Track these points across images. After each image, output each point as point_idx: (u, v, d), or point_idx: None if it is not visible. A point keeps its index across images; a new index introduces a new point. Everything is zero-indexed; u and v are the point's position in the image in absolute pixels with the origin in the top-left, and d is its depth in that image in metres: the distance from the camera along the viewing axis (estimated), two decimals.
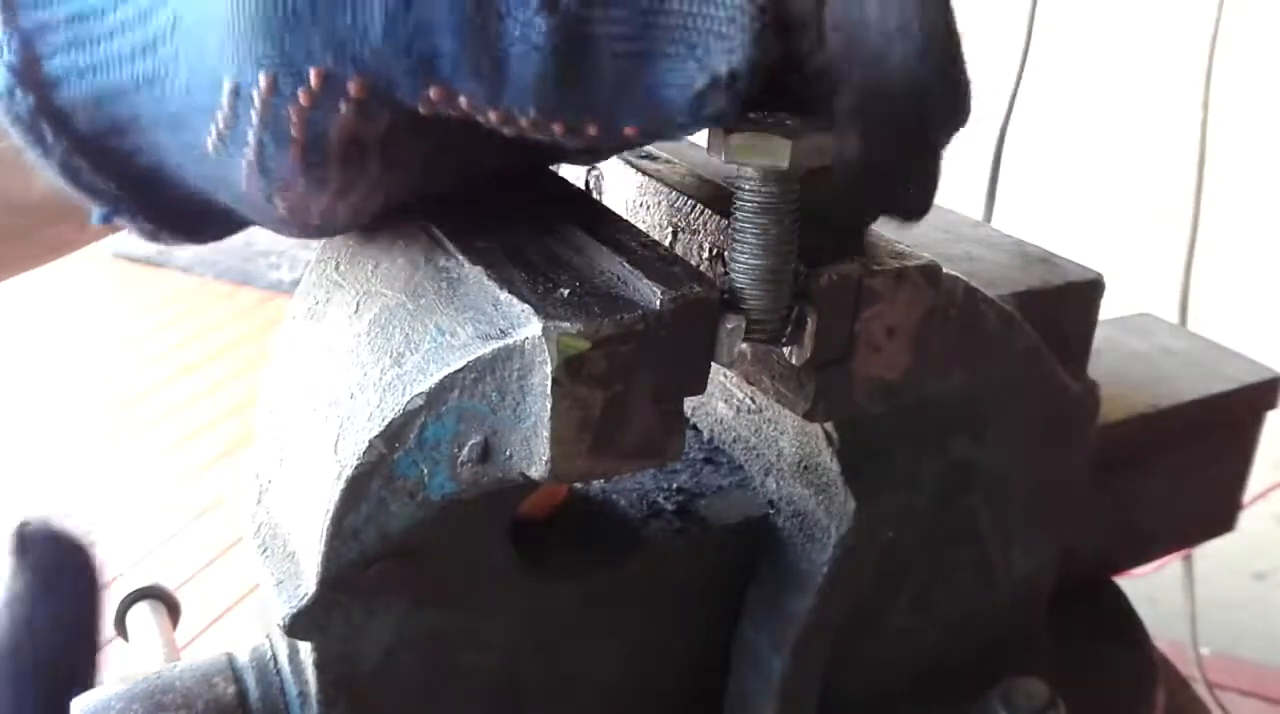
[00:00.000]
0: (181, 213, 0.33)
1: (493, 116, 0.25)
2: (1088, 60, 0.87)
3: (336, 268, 0.37)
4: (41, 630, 0.40)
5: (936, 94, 0.28)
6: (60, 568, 0.41)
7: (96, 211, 0.32)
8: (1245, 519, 0.58)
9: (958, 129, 0.29)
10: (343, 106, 0.26)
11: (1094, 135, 0.89)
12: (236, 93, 0.27)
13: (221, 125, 0.28)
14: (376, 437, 0.30)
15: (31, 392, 0.84)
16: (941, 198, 0.51)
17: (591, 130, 0.26)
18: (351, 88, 0.25)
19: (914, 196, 0.31)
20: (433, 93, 0.25)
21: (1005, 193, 0.64)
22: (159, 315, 0.88)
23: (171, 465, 0.95)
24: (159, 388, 0.79)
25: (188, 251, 1.01)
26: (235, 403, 0.75)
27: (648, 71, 0.24)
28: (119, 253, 1.07)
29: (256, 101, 0.26)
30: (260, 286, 0.87)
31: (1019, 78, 0.63)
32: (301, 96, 0.26)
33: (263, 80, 0.26)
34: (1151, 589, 0.59)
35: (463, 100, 0.25)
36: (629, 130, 0.26)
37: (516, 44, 0.24)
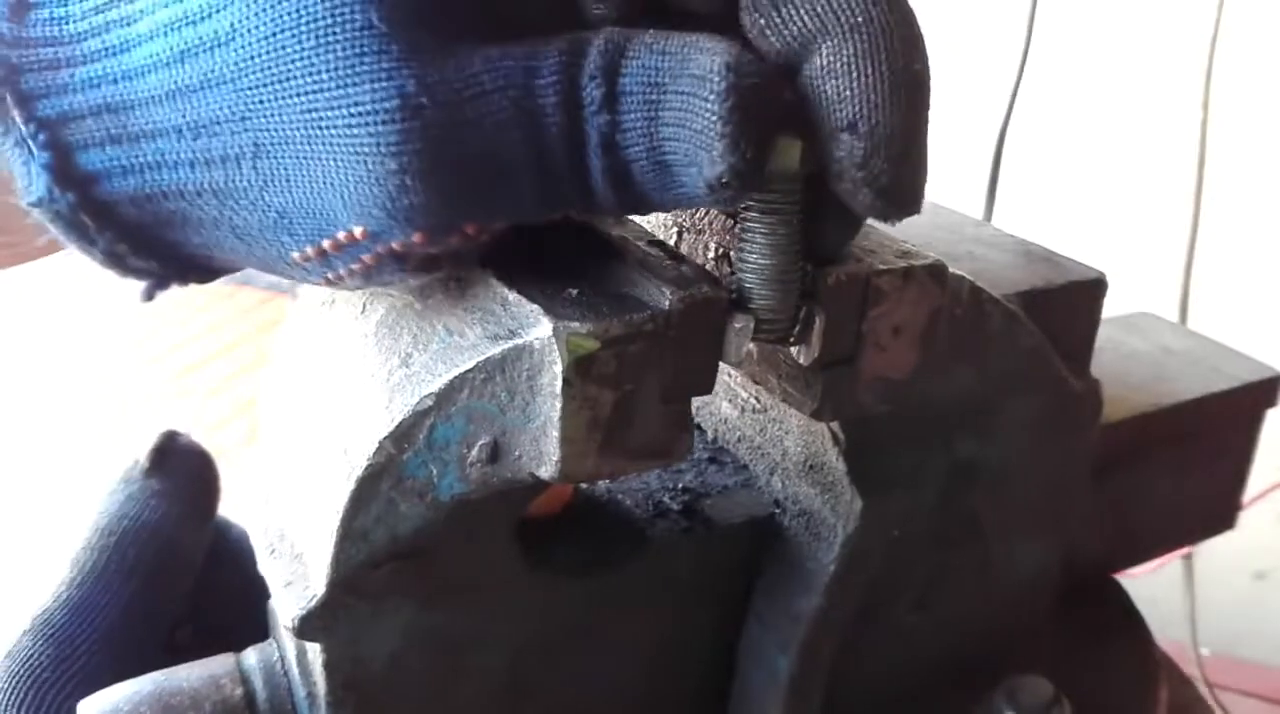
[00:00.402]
0: (217, 275, 0.33)
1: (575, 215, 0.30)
2: (1088, 60, 0.87)
3: None
4: (178, 531, 0.42)
5: (870, 197, 0.28)
6: (197, 479, 0.44)
7: (144, 291, 0.32)
8: (1245, 519, 0.58)
9: (897, 221, 0.30)
10: (483, 238, 0.29)
11: (1094, 135, 0.89)
12: (372, 236, 0.28)
13: (328, 247, 0.28)
14: (385, 437, 0.30)
15: (31, 392, 0.84)
16: (942, 197, 0.51)
17: (641, 212, 0.31)
18: (497, 226, 0.29)
19: (829, 242, 0.32)
20: (556, 217, 0.30)
21: (1005, 192, 0.64)
22: (159, 315, 0.88)
23: None
24: (159, 388, 0.79)
25: None
26: (236, 403, 0.75)
27: (671, 174, 0.28)
28: None
29: (395, 246, 0.28)
30: (260, 287, 0.87)
31: (1019, 78, 0.63)
32: (453, 240, 0.28)
33: (417, 237, 0.27)
34: (1151, 589, 0.59)
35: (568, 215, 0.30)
36: (670, 206, 0.29)
37: (596, 181, 0.28)
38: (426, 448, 0.30)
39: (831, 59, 0.27)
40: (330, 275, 0.29)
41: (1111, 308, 0.55)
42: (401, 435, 0.30)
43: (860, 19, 0.27)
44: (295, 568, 0.34)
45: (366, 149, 0.26)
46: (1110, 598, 0.55)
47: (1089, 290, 0.44)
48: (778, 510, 0.41)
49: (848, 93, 0.27)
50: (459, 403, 0.30)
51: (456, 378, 0.30)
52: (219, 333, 0.84)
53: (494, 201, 0.28)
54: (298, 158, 0.27)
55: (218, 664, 0.37)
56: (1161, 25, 0.84)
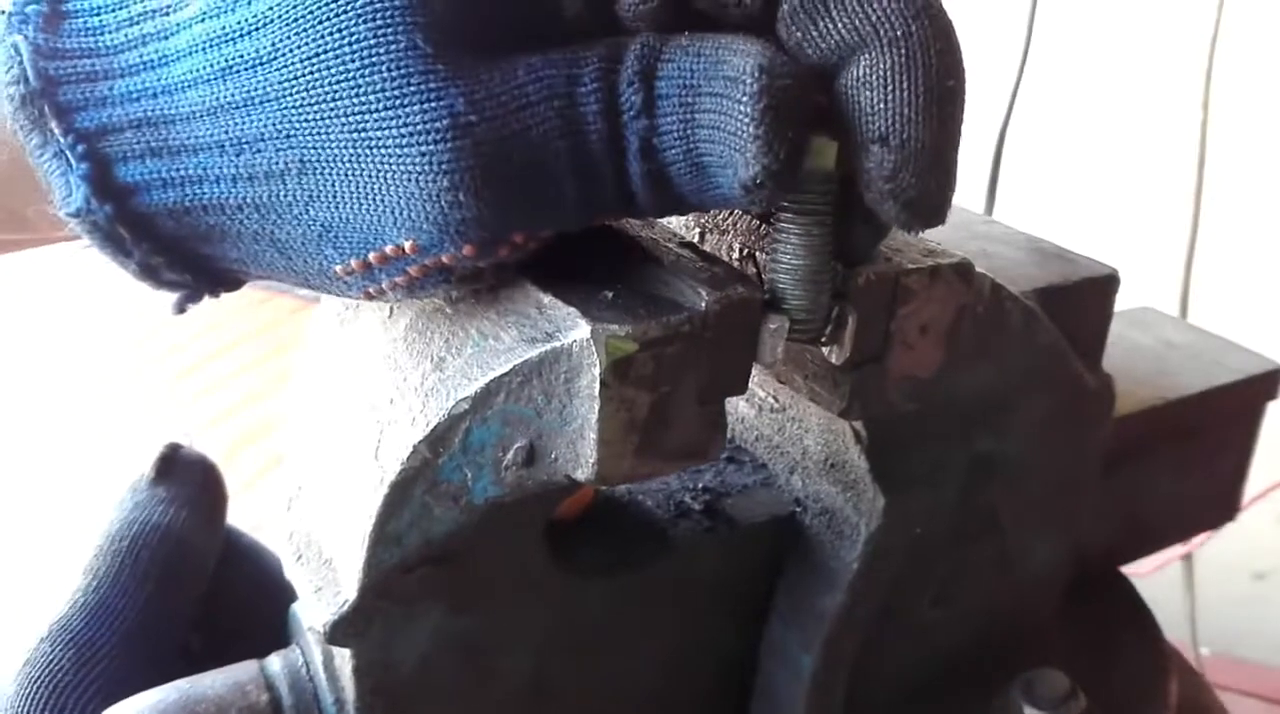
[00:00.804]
0: (243, 285, 0.33)
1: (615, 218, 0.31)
2: (1088, 60, 0.88)
3: None
4: (189, 534, 0.42)
5: (895, 209, 0.28)
6: (203, 486, 0.43)
7: (175, 302, 0.31)
8: (1245, 519, 0.59)
9: (919, 232, 0.30)
10: (530, 247, 0.29)
11: (1094, 134, 0.90)
12: (419, 250, 0.28)
13: (374, 261, 0.28)
14: (420, 441, 0.30)
15: (29, 392, 0.83)
16: None
17: (679, 213, 0.31)
18: (544, 235, 0.29)
19: (859, 246, 0.32)
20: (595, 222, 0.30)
21: (1005, 192, 0.64)
22: (159, 316, 0.87)
23: None
24: (159, 388, 0.79)
25: None
26: (236, 403, 0.75)
27: (707, 176, 0.28)
28: None
29: (445, 259, 0.28)
30: (261, 287, 0.86)
31: (1019, 78, 0.64)
32: (503, 251, 0.28)
33: (468, 250, 0.28)
34: (1151, 589, 0.60)
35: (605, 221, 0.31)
36: (708, 207, 0.30)
37: (636, 185, 0.28)
38: (461, 452, 0.30)
39: (868, 71, 0.27)
40: (372, 289, 0.29)
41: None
42: (436, 439, 0.30)
43: (900, 33, 0.27)
44: (325, 573, 0.34)
45: (418, 167, 0.26)
46: (1118, 592, 0.56)
47: (1102, 286, 0.44)
48: (798, 509, 0.41)
49: (881, 105, 0.27)
50: (495, 406, 0.30)
51: (493, 381, 0.30)
52: (219, 333, 0.83)
53: (542, 210, 0.28)
54: (345, 174, 0.27)
55: (242, 671, 0.37)
56: (1161, 25, 0.85)
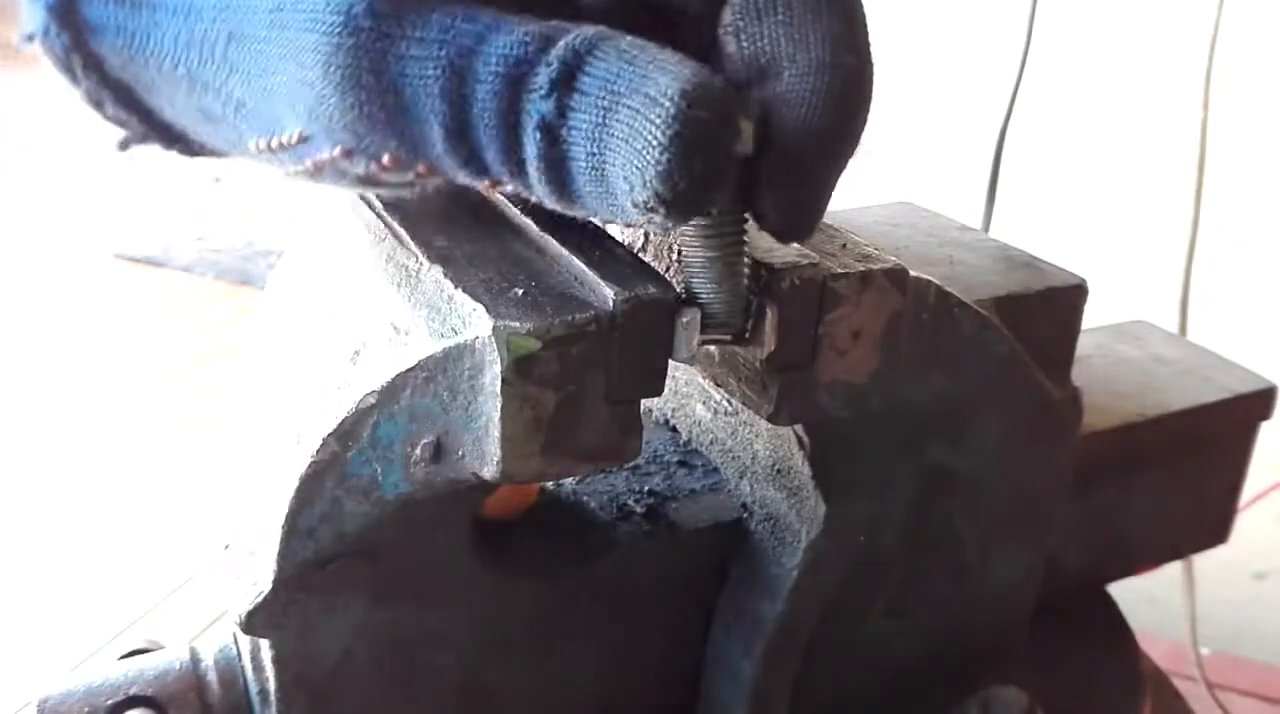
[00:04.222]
0: (195, 152, 0.34)
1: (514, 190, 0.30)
2: (1088, 60, 0.86)
3: (302, 268, 0.37)
4: None
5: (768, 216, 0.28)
6: None
7: (119, 141, 0.33)
8: (1245, 519, 0.57)
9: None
10: (410, 176, 0.29)
11: (1094, 136, 0.88)
12: (306, 140, 0.28)
13: (275, 144, 0.29)
14: (330, 435, 0.30)
15: (30, 392, 0.84)
16: (938, 199, 0.50)
17: (577, 213, 0.29)
18: (420, 168, 0.29)
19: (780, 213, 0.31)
20: (484, 184, 0.29)
21: (1005, 194, 0.63)
22: (159, 315, 0.89)
23: (171, 465, 0.96)
24: (158, 387, 0.80)
25: (188, 252, 1.02)
26: (236, 402, 0.75)
27: (606, 184, 0.27)
28: (119, 253, 1.08)
29: (327, 155, 0.29)
30: (260, 286, 0.88)
31: (1019, 78, 0.62)
32: (374, 166, 0.29)
33: (338, 151, 0.28)
34: (1151, 589, 0.58)
35: (504, 188, 0.30)
36: (604, 216, 0.29)
37: (530, 160, 0.28)
38: (370, 446, 0.30)
39: (788, 89, 0.28)
40: (282, 171, 0.30)
41: (1112, 312, 0.54)
42: (345, 433, 0.30)
43: (829, 60, 0.28)
44: (248, 563, 0.34)
45: (306, 55, 0.27)
46: (1099, 609, 0.54)
47: (1068, 296, 0.43)
48: (745, 514, 0.40)
49: (791, 124, 0.28)
50: (402, 401, 0.30)
51: (399, 376, 0.29)
52: (219, 333, 0.85)
53: (406, 142, 0.28)
54: (259, 52, 0.28)
55: (174, 658, 0.37)
56: (1161, 25, 0.83)
